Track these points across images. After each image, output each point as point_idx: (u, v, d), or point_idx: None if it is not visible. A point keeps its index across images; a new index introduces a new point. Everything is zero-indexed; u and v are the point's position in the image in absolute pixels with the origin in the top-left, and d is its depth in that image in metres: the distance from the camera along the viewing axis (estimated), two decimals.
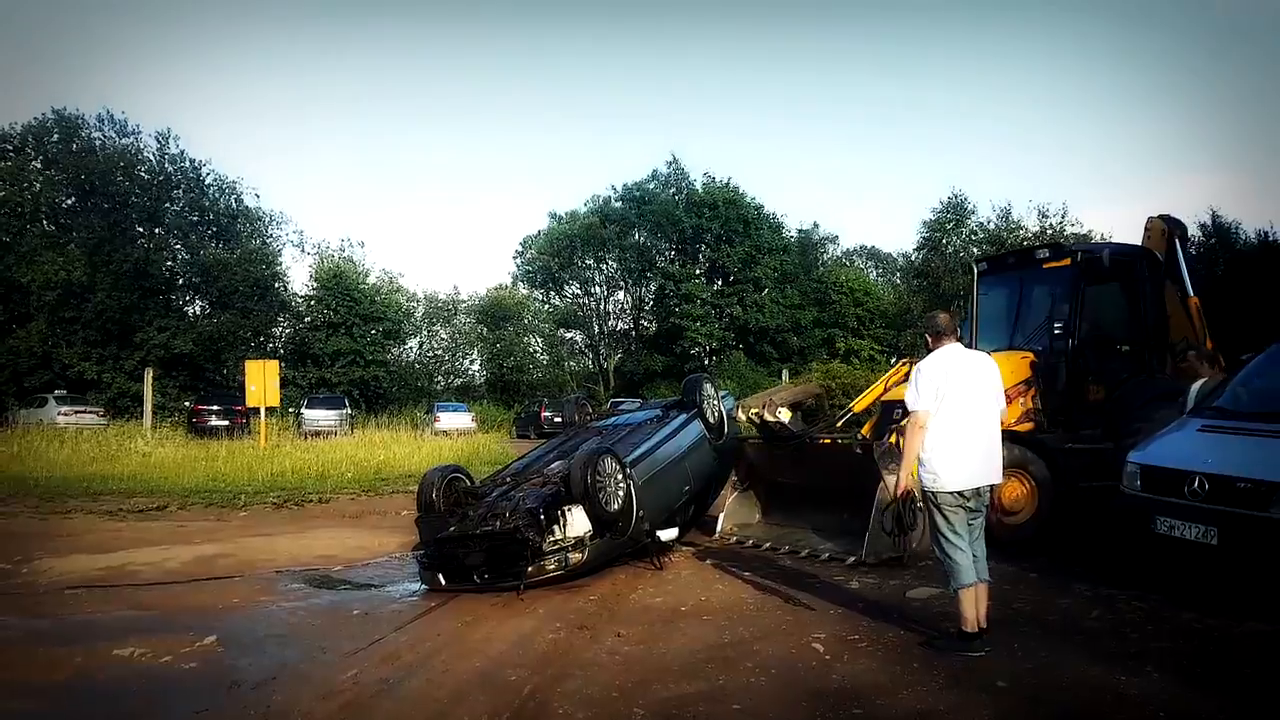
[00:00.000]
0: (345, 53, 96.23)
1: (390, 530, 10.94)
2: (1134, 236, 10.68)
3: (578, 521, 7.39)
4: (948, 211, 43.85)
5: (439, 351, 50.69)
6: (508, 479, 8.66)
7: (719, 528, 9.51)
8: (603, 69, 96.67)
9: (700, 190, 50.40)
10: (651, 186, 51.24)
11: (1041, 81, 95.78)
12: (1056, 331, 9.18)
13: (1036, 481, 8.60)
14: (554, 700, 4.68)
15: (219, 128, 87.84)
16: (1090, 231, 35.21)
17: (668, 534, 8.27)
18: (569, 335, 54.82)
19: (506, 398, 47.17)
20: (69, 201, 37.38)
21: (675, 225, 48.58)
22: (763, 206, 50.66)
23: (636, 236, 50.33)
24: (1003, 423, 5.53)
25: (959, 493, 5.26)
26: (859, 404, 10.43)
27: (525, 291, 54.06)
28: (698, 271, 50.46)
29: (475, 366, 51.40)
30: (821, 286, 51.28)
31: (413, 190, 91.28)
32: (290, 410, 32.41)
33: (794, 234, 53.67)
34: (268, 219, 43.06)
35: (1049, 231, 36.42)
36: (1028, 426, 9.04)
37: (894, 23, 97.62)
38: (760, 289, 48.61)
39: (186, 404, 31.25)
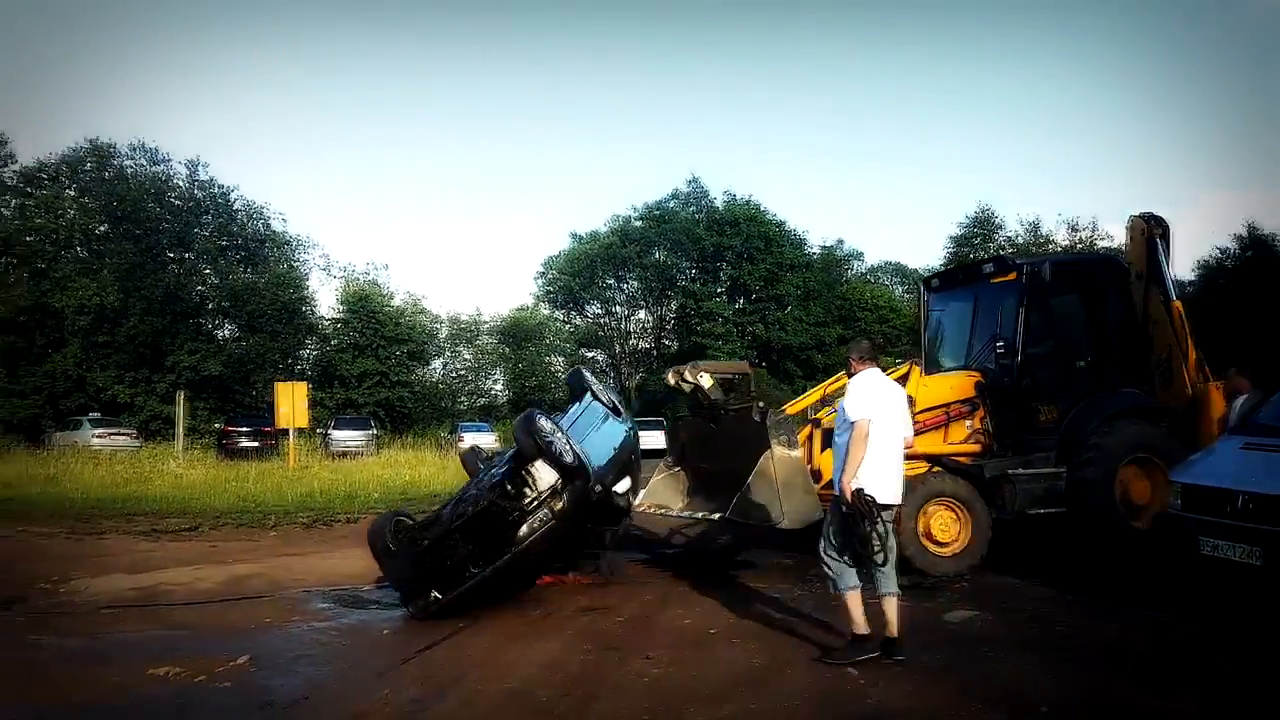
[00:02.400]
0: (368, 79, 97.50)
1: None
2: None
3: (544, 475, 7.30)
4: (975, 226, 43.64)
5: (462, 372, 50.85)
6: (452, 501, 8.42)
7: (637, 501, 8.97)
8: (623, 89, 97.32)
9: (721, 208, 50.42)
10: (672, 205, 51.36)
11: (1073, 93, 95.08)
12: (999, 350, 8.97)
13: (968, 511, 8.35)
14: None
15: (246, 154, 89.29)
16: (1122, 245, 34.84)
17: (622, 486, 8.16)
18: (590, 355, 54.86)
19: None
20: (102, 228, 37.97)
21: (696, 243, 48.61)
22: (785, 223, 50.66)
23: (657, 255, 50.43)
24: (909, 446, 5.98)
25: (886, 506, 5.54)
26: (792, 407, 10.00)
27: (546, 312, 54.23)
28: (719, 290, 50.43)
29: (498, 386, 51.49)
30: (846, 304, 51.00)
31: (436, 213, 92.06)
32: (318, 431, 32.65)
33: (817, 251, 53.55)
34: (295, 243, 43.53)
35: (1079, 245, 36.16)
36: (974, 448, 8.86)
37: (919, 36, 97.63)
38: (783, 307, 48.48)
39: (217, 426, 31.56)
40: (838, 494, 5.64)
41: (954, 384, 9.18)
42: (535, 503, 7.21)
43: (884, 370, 6.05)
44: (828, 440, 8.74)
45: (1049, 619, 6.56)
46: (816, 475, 8.29)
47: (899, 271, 63.48)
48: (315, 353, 42.58)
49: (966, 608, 6.89)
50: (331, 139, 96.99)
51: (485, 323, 52.31)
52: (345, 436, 31.30)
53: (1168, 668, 5.38)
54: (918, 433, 8.34)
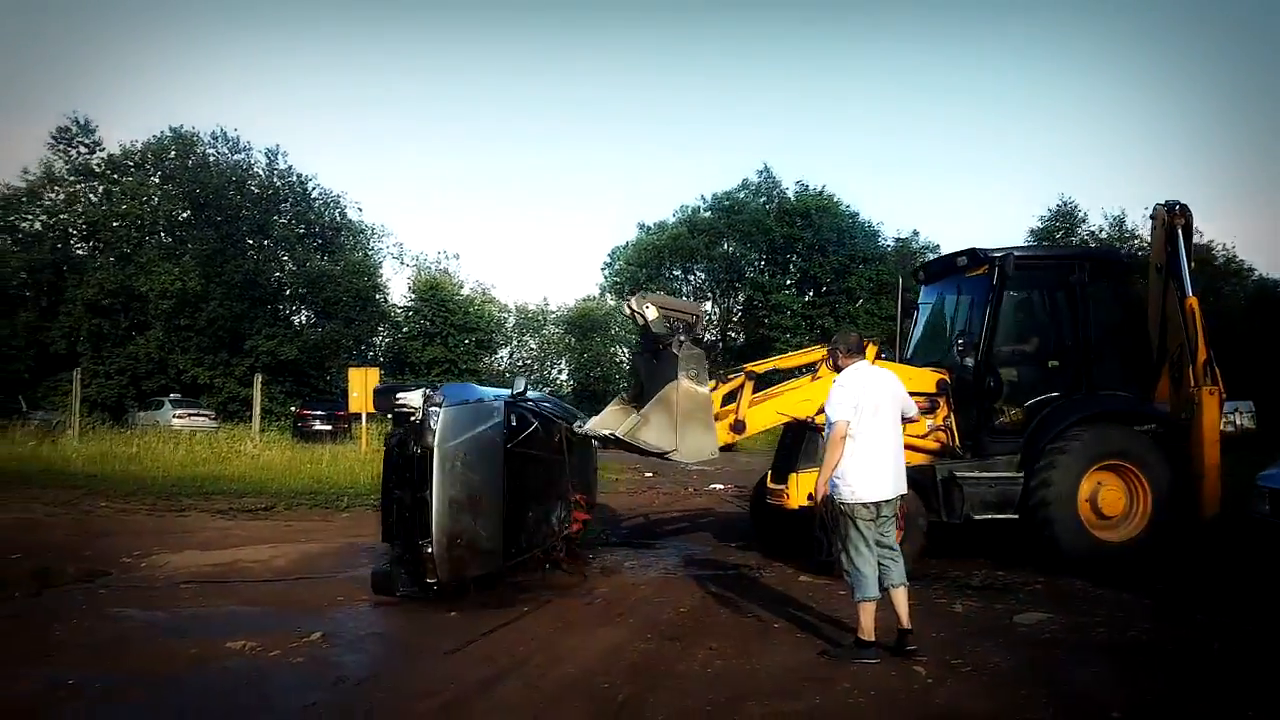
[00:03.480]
0: (442, 72, 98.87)
1: None
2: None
3: None
4: (1057, 219, 42.47)
5: (528, 361, 51.36)
6: None
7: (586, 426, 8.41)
8: (695, 78, 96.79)
9: (793, 199, 49.81)
10: (742, 195, 50.82)
11: (1165, 81, 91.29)
12: (958, 347, 8.72)
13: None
14: (646, 710, 4.68)
15: (323, 144, 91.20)
16: (1211, 241, 33.59)
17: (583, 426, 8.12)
18: None
19: (594, 407, 47.45)
20: (184, 215, 39.25)
21: (766, 235, 48.06)
22: (858, 214, 49.72)
23: (725, 246, 49.97)
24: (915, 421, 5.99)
25: (874, 504, 5.52)
26: (759, 366, 9.57)
27: (613, 302, 54.40)
28: (788, 282, 49.85)
29: (563, 376, 51.89)
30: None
31: (506, 204, 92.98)
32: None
33: (891, 242, 52.55)
34: (369, 232, 44.55)
35: None
36: (932, 446, 8.62)
37: (1001, 23, 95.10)
38: (854, 300, 47.79)
39: (292, 409, 32.41)
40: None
41: (912, 376, 8.84)
42: None
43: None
44: (761, 388, 8.80)
45: (1122, 624, 6.38)
46: (740, 426, 8.47)
47: None
48: (387, 340, 43.47)
49: (1038, 610, 6.74)
50: (406, 130, 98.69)
51: (552, 313, 52.77)
52: None
53: (1244, 675, 5.19)
54: None
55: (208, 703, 4.89)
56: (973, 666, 5.41)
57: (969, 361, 8.68)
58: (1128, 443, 8.42)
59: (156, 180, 40.00)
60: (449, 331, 41.65)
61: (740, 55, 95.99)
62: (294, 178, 40.96)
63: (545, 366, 51.14)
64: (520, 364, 50.21)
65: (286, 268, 39.97)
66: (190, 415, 29.36)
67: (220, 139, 40.33)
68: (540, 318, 52.07)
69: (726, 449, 8.74)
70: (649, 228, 52.82)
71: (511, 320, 51.30)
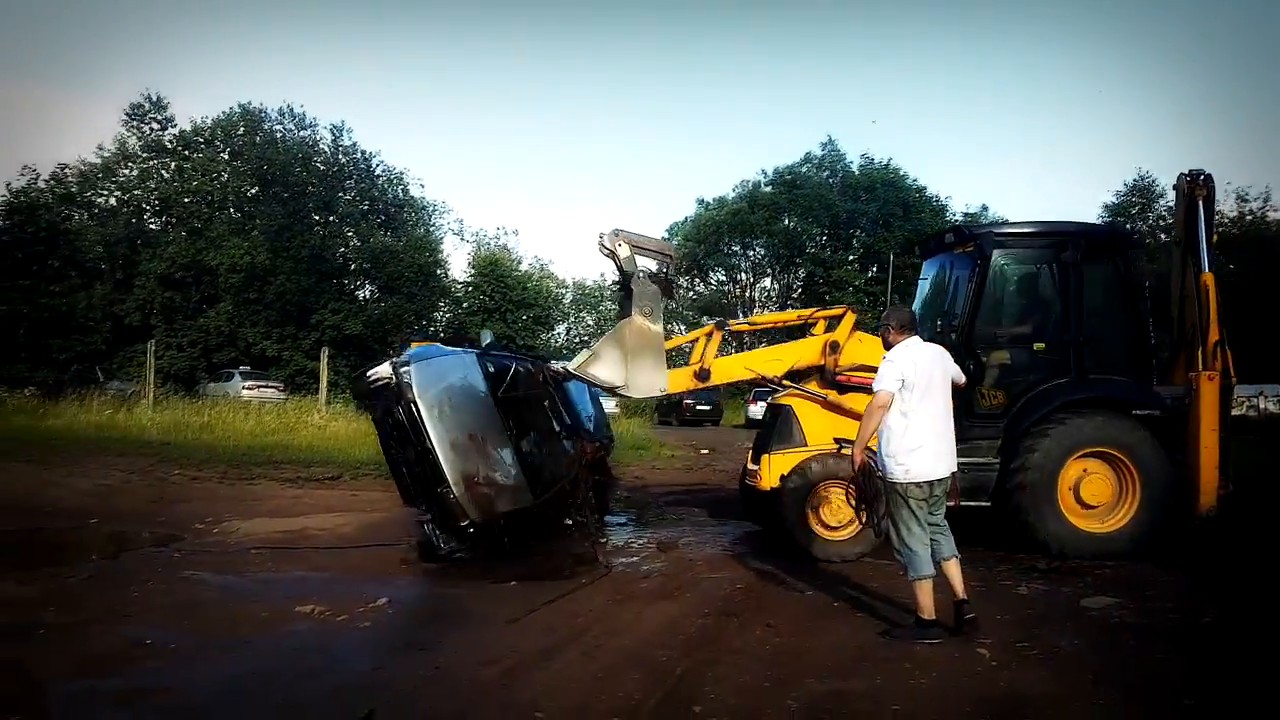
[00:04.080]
0: (502, 47, 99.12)
1: None
2: None
3: None
4: (1133, 194, 41.13)
5: (585, 337, 51.51)
6: None
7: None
8: (757, 51, 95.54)
9: (857, 172, 48.93)
10: (804, 170, 50.07)
11: (1256, 53, 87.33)
12: (938, 327, 8.39)
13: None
14: (705, 684, 4.69)
15: (386, 121, 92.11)
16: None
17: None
18: (710, 322, 54.55)
19: None
20: (253, 191, 40.14)
21: (828, 209, 47.35)
22: (925, 188, 48.75)
23: (786, 222, 49.36)
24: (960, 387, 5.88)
25: (928, 484, 5.45)
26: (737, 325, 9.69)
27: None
28: (850, 257, 49.15)
29: None
30: None
31: (564, 180, 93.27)
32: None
33: (959, 218, 51.41)
34: (431, 208, 45.13)
35: (1248, 218, 33.58)
36: None
37: None
38: (920, 274, 46.88)
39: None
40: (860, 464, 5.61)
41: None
42: None
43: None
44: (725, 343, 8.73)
45: (1195, 610, 6.21)
46: (705, 374, 8.50)
47: None
48: (447, 315, 43.99)
49: (1107, 594, 6.59)
50: (466, 106, 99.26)
51: (609, 289, 52.88)
52: None
53: None
54: (849, 388, 8.40)
55: (278, 664, 5.03)
56: (1038, 650, 5.32)
57: (951, 341, 8.40)
58: (1116, 430, 8.04)
59: (226, 156, 40.96)
60: (507, 307, 42.02)
61: (805, 24, 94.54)
62: (358, 154, 41.60)
63: None
64: (578, 340, 50.41)
65: (351, 243, 40.62)
66: (259, 387, 30.00)
67: (287, 115, 41.15)
68: (598, 294, 52.21)
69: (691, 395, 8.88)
70: (708, 203, 52.44)
71: (569, 296, 51.56)
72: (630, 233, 8.30)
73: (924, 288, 9.77)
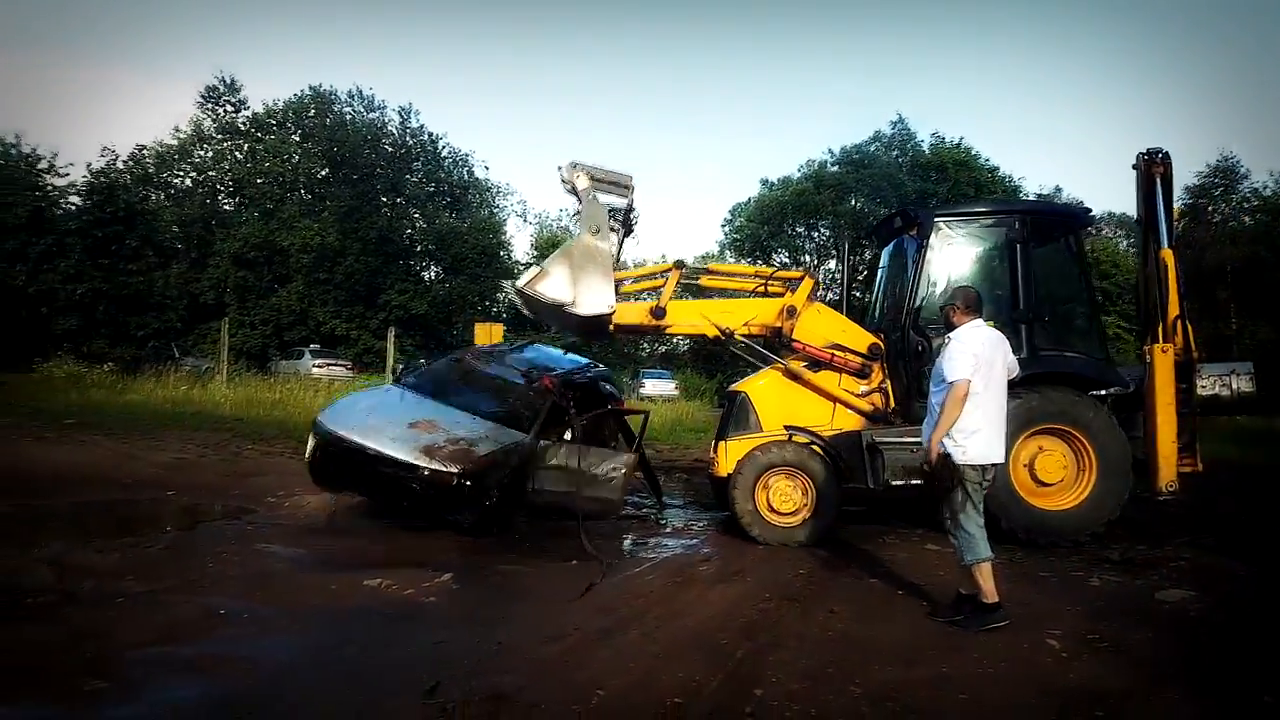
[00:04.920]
0: (565, 31, 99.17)
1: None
2: None
3: None
4: (1215, 176, 39.57)
5: None
6: None
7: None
8: (825, 27, 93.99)
9: (927, 151, 47.86)
10: (873, 149, 49.09)
11: None
12: (886, 309, 8.21)
13: (811, 479, 7.99)
14: (767, 669, 4.67)
15: (453, 103, 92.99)
16: None
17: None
18: None
19: (710, 367, 47.37)
20: (323, 172, 40.95)
21: (897, 189, 46.31)
22: (998, 169, 47.46)
23: (853, 202, 48.52)
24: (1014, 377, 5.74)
25: (984, 466, 5.37)
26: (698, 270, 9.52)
27: (732, 260, 53.87)
28: None
29: (680, 335, 51.87)
30: None
31: (626, 160, 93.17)
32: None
33: (1032, 199, 50.05)
34: (495, 190, 45.48)
35: None
36: (865, 407, 8.38)
37: None
38: None
39: (422, 362, 33.57)
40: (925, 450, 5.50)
41: (845, 328, 8.68)
42: None
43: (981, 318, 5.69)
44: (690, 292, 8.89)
45: (1273, 604, 5.99)
46: (660, 313, 8.58)
47: (1124, 223, 58.10)
48: (510, 296, 44.33)
49: (1182, 588, 6.38)
50: (529, 89, 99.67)
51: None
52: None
53: None
54: (811, 363, 8.44)
55: (346, 635, 5.14)
56: (1110, 642, 5.18)
57: (891, 323, 8.49)
58: (1068, 406, 7.95)
59: (297, 139, 41.78)
60: None
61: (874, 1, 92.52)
62: (425, 136, 42.10)
63: None
64: None
65: (417, 225, 41.19)
66: (328, 365, 30.59)
67: (357, 97, 41.85)
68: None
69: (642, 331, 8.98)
70: (772, 183, 51.77)
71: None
72: (589, 165, 8.46)
73: (881, 274, 9.73)
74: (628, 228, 8.74)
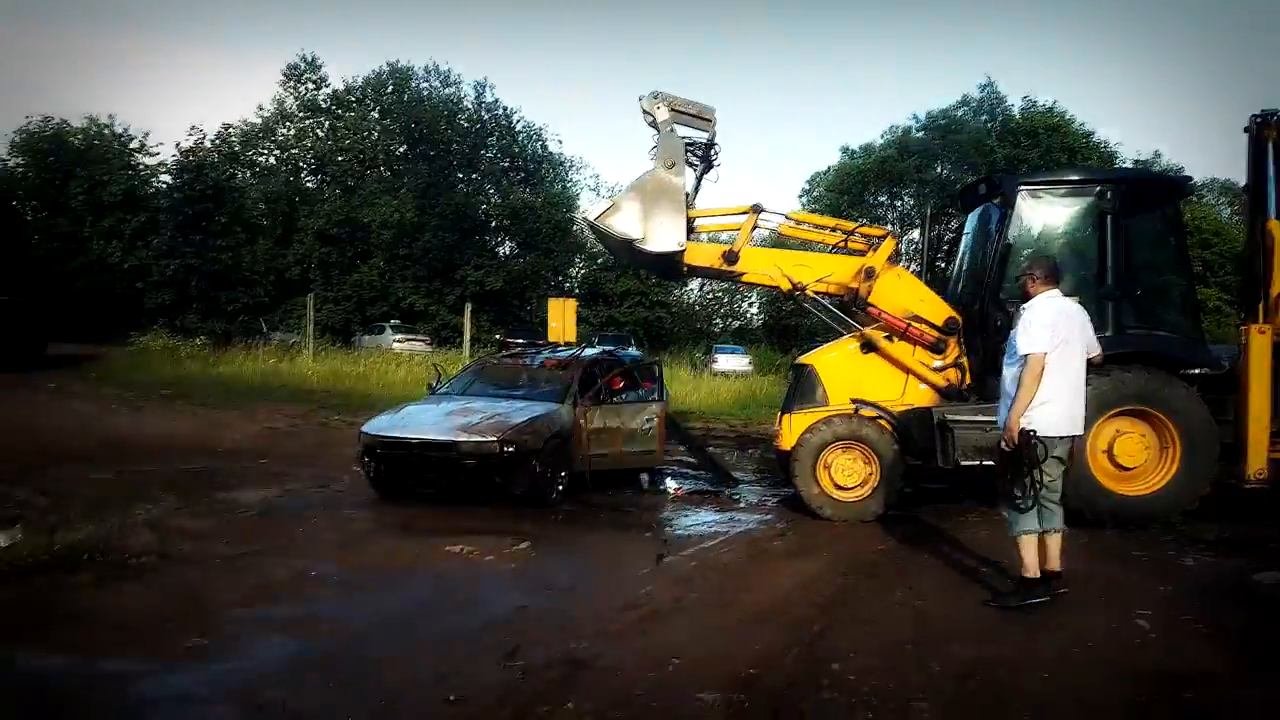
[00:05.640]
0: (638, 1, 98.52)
1: (670, 461, 11.37)
2: None
3: None
4: None
5: (719, 294, 51.23)
6: None
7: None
8: None
9: (1018, 116, 46.21)
10: (960, 114, 47.45)
11: None
12: (964, 281, 7.88)
13: (878, 455, 7.74)
14: (843, 643, 4.65)
15: (527, 76, 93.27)
16: None
17: None
18: None
19: (784, 342, 46.91)
20: (401, 149, 41.55)
21: (985, 156, 44.61)
22: (1092, 134, 45.48)
23: (939, 170, 47.05)
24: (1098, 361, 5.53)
25: (1049, 441, 5.13)
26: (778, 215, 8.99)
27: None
28: None
29: (754, 310, 51.38)
30: None
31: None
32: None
33: (1129, 165, 47.87)
34: (568, 164, 45.53)
35: None
36: (939, 381, 8.06)
37: None
38: None
39: (497, 336, 34.04)
40: (1001, 430, 5.26)
41: (924, 298, 8.32)
42: None
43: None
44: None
45: None
46: (733, 257, 8.37)
47: (1227, 190, 55.24)
48: (583, 270, 44.57)
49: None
50: (603, 61, 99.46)
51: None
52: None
53: None
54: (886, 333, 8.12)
55: (430, 598, 5.31)
56: (1203, 625, 5.02)
57: (972, 295, 8.16)
58: (1154, 387, 7.51)
59: (376, 115, 42.46)
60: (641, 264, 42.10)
61: None
62: (500, 111, 42.35)
63: (735, 300, 50.79)
64: (710, 296, 50.17)
65: (492, 200, 41.58)
66: (408, 339, 31.21)
67: (433, 73, 42.28)
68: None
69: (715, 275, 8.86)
70: (854, 151, 50.53)
71: None
72: (670, 95, 8.26)
73: (965, 242, 9.33)
74: (708, 163, 8.54)
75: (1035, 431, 5.12)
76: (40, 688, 3.77)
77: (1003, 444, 5.24)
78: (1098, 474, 7.54)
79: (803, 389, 8.42)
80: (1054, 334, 5.14)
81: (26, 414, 12.50)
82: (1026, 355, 5.13)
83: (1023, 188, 8.09)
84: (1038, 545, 5.23)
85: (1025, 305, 5.39)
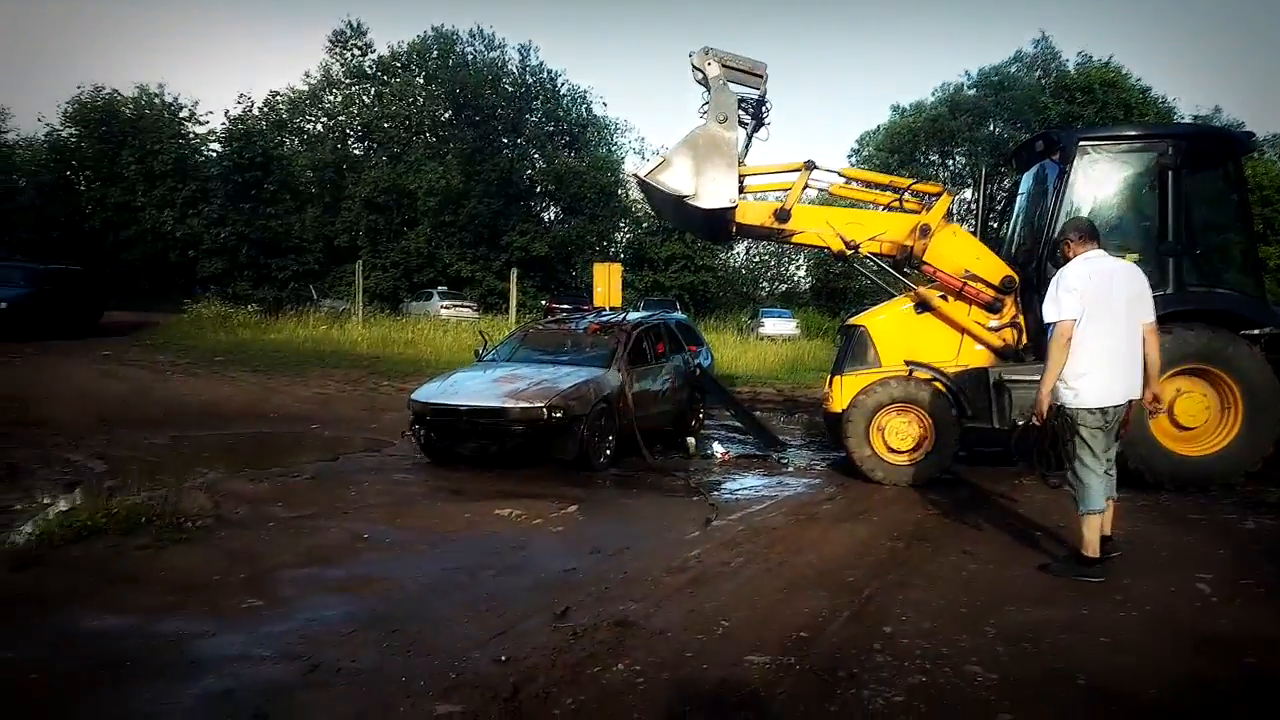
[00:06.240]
0: None
1: (716, 426, 11.31)
2: None
3: None
4: None
5: (765, 257, 50.71)
6: None
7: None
8: None
9: (1073, 72, 44.86)
10: (1013, 70, 46.30)
11: None
12: (1020, 239, 7.67)
13: (932, 417, 7.72)
14: (895, 606, 4.60)
15: (570, 36, 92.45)
16: None
17: None
18: None
19: (832, 305, 46.38)
20: (446, 115, 41.58)
21: (1039, 113, 43.46)
22: (1149, 89, 44.10)
23: (991, 128, 45.90)
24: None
25: (1100, 410, 4.93)
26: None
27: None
28: None
29: (801, 272, 50.79)
30: None
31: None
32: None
33: (1188, 121, 46.27)
34: (613, 127, 45.20)
35: None
36: (995, 342, 7.85)
37: None
38: None
39: (542, 302, 34.15)
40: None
41: (980, 256, 8.05)
42: None
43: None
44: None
45: None
46: (785, 215, 8.21)
47: None
48: (628, 235, 44.39)
49: None
50: (647, 18, 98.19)
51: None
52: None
53: None
54: (941, 293, 7.95)
55: (481, 560, 5.36)
56: (1266, 588, 4.90)
57: (1027, 253, 7.95)
58: (1217, 346, 7.31)
59: (421, 81, 42.50)
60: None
61: None
62: (544, 74, 42.12)
63: (782, 263, 50.26)
64: (756, 260, 49.70)
65: (537, 165, 41.50)
66: (455, 306, 31.41)
67: (477, 37, 42.16)
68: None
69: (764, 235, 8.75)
70: (904, 109, 49.45)
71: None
72: (721, 50, 8.13)
73: (1021, 202, 9.08)
74: (759, 120, 8.38)
75: (1064, 406, 4.98)
76: (103, 647, 3.88)
77: (1032, 418, 5.11)
78: (1158, 434, 7.37)
79: (854, 351, 8.30)
80: (1083, 298, 4.91)
81: (84, 381, 12.84)
82: (1051, 324, 4.96)
83: (1082, 143, 7.86)
84: (1098, 524, 5.05)
85: (1060, 271, 5.16)
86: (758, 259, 49.96)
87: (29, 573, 4.79)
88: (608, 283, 24.78)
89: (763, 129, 8.50)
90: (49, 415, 10.35)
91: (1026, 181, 9.00)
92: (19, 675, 3.56)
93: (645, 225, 43.13)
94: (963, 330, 8.03)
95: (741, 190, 8.16)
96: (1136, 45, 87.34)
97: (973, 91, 46.14)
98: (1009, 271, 8.03)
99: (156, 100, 39.40)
